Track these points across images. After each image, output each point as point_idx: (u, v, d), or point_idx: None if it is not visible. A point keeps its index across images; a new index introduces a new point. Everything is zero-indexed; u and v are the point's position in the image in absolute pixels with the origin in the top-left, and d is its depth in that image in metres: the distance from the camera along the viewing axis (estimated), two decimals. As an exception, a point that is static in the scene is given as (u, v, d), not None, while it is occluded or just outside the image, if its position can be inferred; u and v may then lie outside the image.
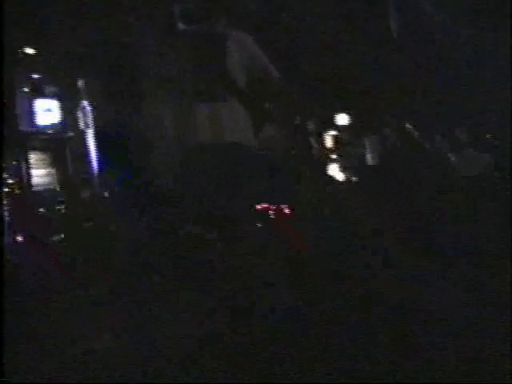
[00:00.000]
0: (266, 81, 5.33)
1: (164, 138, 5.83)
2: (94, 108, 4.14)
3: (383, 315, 3.66)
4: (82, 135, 4.32)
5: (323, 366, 3.02)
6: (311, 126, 13.51)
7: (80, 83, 4.31)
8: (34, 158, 9.17)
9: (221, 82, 4.98)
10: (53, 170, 9.47)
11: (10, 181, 8.84)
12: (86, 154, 4.45)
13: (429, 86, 14.09)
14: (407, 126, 12.86)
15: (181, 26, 5.16)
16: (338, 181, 12.03)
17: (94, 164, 4.34)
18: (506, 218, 6.14)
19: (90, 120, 4.04)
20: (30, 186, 9.01)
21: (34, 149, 9.24)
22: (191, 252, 5.59)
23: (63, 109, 9.18)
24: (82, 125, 4.09)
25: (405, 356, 3.08)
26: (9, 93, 8.80)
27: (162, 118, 5.75)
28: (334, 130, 14.60)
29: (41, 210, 9.04)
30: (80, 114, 4.10)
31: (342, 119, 14.78)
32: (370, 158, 13.09)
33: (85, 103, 3.95)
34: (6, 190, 8.72)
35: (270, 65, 5.25)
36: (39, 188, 9.20)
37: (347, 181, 12.27)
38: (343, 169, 13.17)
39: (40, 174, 9.26)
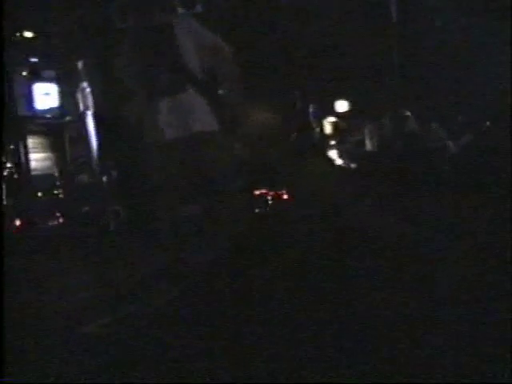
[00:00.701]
0: (223, 65, 5.39)
1: (162, 123, 5.80)
2: (93, 91, 4.13)
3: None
4: (80, 119, 4.33)
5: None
6: (311, 111, 13.49)
7: (79, 66, 4.30)
8: (32, 141, 9.17)
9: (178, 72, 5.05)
10: (51, 154, 9.48)
11: (8, 164, 8.85)
12: (85, 137, 4.45)
13: (429, 74, 14.06)
14: (407, 113, 12.84)
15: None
16: (337, 166, 12.02)
17: (93, 148, 4.34)
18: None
19: (89, 103, 4.03)
20: (28, 169, 9.02)
21: (32, 133, 9.24)
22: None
23: (62, 93, 9.20)
24: (81, 108, 4.09)
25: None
26: (7, 76, 8.78)
27: (159, 103, 5.70)
28: (334, 116, 14.59)
29: (38, 194, 9.06)
30: (79, 97, 4.09)
31: (342, 106, 14.78)
32: (368, 145, 13.06)
33: (84, 85, 3.94)
34: (4, 173, 8.73)
35: (224, 47, 5.33)
36: (37, 172, 9.21)
37: (346, 167, 12.28)
38: (342, 155, 13.18)
39: (38, 158, 9.27)
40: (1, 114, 6.69)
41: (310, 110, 13.59)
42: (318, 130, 13.69)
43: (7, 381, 2.83)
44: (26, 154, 9.03)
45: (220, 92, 5.62)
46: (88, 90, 4.44)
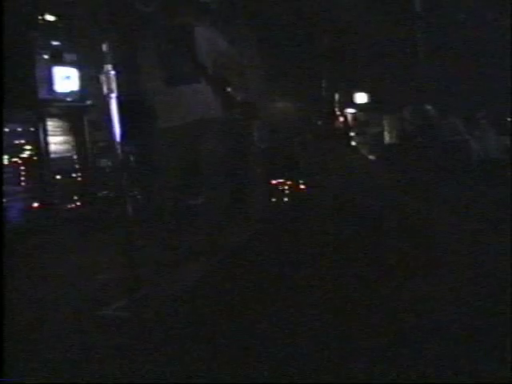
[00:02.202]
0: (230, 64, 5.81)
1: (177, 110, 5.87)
2: (118, 74, 4.10)
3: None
4: (102, 102, 4.32)
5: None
6: (332, 102, 13.42)
7: (102, 49, 4.28)
8: (51, 125, 9.17)
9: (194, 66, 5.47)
10: (70, 138, 9.49)
11: (27, 147, 8.87)
12: (105, 122, 4.45)
13: (450, 68, 13.93)
14: (427, 107, 12.74)
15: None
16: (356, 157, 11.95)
17: (113, 132, 4.33)
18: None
19: (113, 86, 4.01)
20: (47, 152, 9.02)
21: (52, 116, 9.24)
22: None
23: (83, 76, 9.20)
24: (104, 91, 4.06)
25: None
26: (28, 59, 8.80)
27: (176, 91, 5.78)
28: (353, 108, 14.51)
29: (57, 177, 9.07)
30: (103, 80, 4.06)
31: (361, 98, 14.69)
32: (387, 138, 12.99)
33: (109, 68, 3.91)
34: (23, 156, 8.76)
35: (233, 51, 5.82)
36: (56, 155, 9.22)
37: (364, 159, 12.21)
38: (360, 147, 13.12)
39: (57, 142, 9.27)
40: (0, 111, 6.70)
41: (331, 100, 13.52)
42: (338, 120, 13.61)
43: (7, 381, 2.84)
44: (46, 136, 9.03)
45: (231, 85, 5.73)
46: (109, 74, 4.41)
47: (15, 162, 8.63)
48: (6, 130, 8.48)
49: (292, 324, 3.42)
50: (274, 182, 9.11)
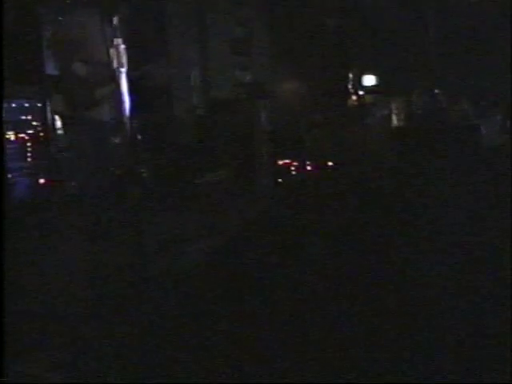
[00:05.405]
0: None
1: (190, 88, 5.84)
2: (128, 48, 4.08)
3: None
4: (111, 78, 4.28)
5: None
6: (340, 84, 13.33)
7: (112, 24, 4.24)
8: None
9: None
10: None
11: (34, 123, 8.85)
12: (114, 97, 4.43)
13: (457, 50, 13.84)
14: (435, 90, 12.66)
15: None
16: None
17: (121, 108, 4.31)
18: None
19: (123, 60, 3.98)
20: (54, 128, 8.99)
21: (59, 92, 9.20)
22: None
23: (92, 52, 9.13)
24: (114, 65, 4.03)
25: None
26: (36, 35, 8.74)
27: (189, 67, 5.74)
28: (361, 90, 14.41)
29: (63, 153, 9.04)
30: (113, 54, 4.03)
31: (369, 80, 14.57)
32: (395, 120, 12.94)
33: (119, 41, 3.89)
34: (30, 132, 8.74)
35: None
36: (63, 131, 9.19)
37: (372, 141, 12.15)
38: (367, 128, 13.04)
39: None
40: (1, 88, 6.69)
41: (339, 82, 13.43)
42: (347, 102, 13.52)
43: (7, 381, 2.86)
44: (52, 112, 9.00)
45: (246, 62, 5.66)
46: (123, 44, 4.37)
47: (22, 137, 8.62)
48: (13, 105, 8.46)
49: (298, 300, 3.45)
50: (280, 162, 9.06)
